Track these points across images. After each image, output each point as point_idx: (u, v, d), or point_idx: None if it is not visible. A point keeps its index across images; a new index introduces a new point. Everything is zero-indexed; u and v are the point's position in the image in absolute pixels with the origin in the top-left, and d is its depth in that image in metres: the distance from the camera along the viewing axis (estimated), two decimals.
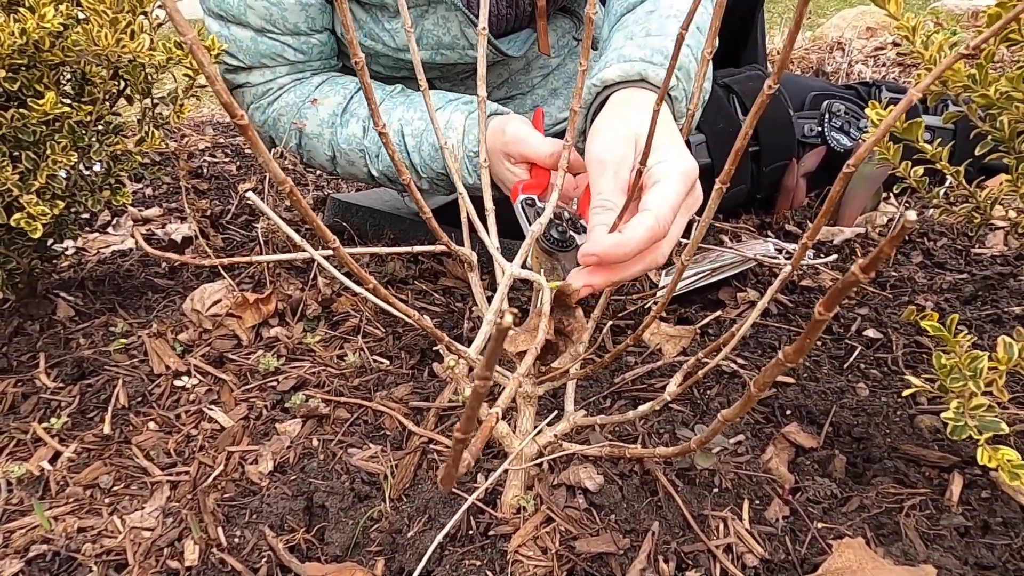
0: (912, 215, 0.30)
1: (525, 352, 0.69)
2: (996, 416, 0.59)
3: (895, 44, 2.70)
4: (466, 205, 0.77)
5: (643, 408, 0.65)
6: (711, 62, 0.63)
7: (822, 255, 1.28)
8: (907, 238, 1.32)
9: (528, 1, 1.19)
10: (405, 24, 0.69)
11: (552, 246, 0.82)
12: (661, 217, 0.66)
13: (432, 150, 1.06)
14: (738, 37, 1.66)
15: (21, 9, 0.88)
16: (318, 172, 1.92)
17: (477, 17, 1.15)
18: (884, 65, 2.57)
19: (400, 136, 1.09)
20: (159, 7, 1.01)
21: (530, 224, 0.84)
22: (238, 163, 1.99)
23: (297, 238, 0.65)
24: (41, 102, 0.89)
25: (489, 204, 0.81)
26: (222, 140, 2.17)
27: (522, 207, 0.85)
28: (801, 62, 2.68)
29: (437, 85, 1.26)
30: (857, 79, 2.44)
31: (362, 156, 1.13)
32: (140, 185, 1.83)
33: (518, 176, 0.89)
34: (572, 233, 0.81)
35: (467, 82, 1.29)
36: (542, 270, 0.79)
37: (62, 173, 0.97)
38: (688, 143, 1.33)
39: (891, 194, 1.45)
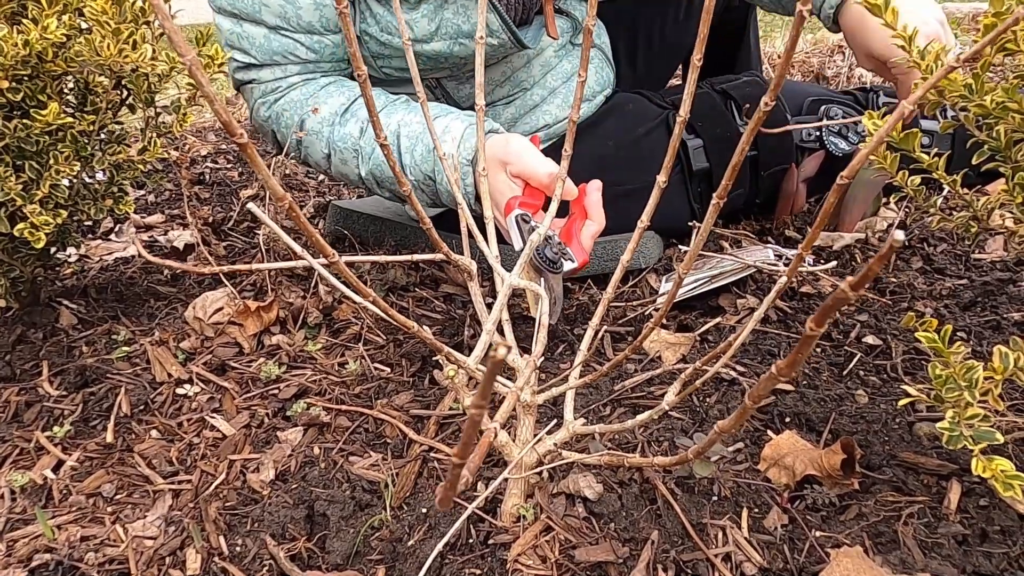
0: (900, 235, 0.30)
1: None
2: (992, 425, 0.59)
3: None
4: (466, 215, 0.78)
5: (642, 417, 0.66)
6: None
7: (822, 261, 1.29)
8: (907, 243, 1.33)
9: None
10: (398, 16, 0.69)
11: (544, 265, 0.83)
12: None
13: (425, 151, 1.06)
14: (732, 44, 1.67)
15: (24, 20, 0.89)
16: (320, 178, 1.93)
17: (500, 2, 1.16)
18: None
19: (396, 137, 1.09)
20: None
21: (523, 239, 0.85)
22: (240, 169, 2.00)
23: (298, 248, 0.65)
24: (44, 112, 0.90)
25: (488, 213, 0.81)
26: (224, 146, 2.18)
27: (517, 221, 0.85)
28: (802, 66, 2.68)
29: (445, 84, 1.27)
30: (857, 83, 2.44)
31: (355, 156, 1.13)
32: (142, 192, 1.84)
33: (513, 190, 0.89)
34: (561, 257, 0.82)
35: (474, 80, 1.30)
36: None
37: (65, 182, 0.98)
38: (685, 145, 1.34)
39: (891, 199, 1.45)
